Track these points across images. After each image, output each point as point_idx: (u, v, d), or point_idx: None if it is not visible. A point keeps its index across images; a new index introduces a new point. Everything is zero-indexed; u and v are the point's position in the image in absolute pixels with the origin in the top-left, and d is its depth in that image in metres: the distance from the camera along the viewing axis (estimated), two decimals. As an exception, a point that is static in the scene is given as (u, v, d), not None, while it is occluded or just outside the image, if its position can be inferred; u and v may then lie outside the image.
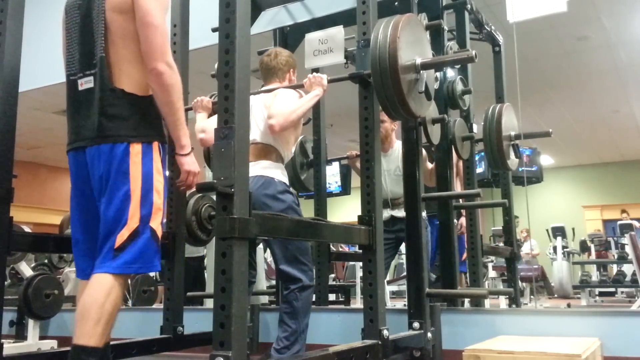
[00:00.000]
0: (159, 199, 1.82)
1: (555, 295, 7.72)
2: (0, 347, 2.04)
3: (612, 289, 7.93)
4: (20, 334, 3.77)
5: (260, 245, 4.51)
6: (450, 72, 3.14)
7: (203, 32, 2.94)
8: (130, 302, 4.82)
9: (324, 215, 3.80)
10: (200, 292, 3.89)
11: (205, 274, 5.03)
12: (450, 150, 3.04)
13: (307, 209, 4.32)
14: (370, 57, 2.13)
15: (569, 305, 6.53)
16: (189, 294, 3.17)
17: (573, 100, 8.07)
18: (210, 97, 3.04)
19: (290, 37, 3.81)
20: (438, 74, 2.77)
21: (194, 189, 2.03)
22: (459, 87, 3.01)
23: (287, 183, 2.49)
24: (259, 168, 2.40)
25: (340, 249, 7.41)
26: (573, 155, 10.94)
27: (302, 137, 4.04)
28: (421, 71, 2.18)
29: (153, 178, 1.81)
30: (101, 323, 1.67)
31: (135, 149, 1.79)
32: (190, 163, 1.92)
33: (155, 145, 1.84)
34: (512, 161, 3.22)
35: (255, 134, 2.45)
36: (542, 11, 3.16)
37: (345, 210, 7.48)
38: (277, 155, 2.49)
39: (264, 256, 5.40)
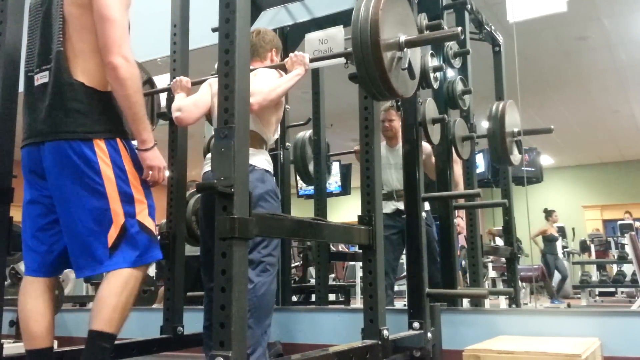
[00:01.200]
0: (138, 193, 1.81)
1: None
2: (0, 347, 2.04)
3: (612, 289, 7.93)
4: (20, 334, 3.77)
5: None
6: (450, 72, 3.14)
7: (203, 32, 2.94)
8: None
9: (324, 215, 3.80)
10: (200, 292, 3.89)
11: (205, 274, 5.03)
12: (451, 150, 3.04)
13: (307, 209, 4.33)
14: (351, 32, 1.99)
15: (569, 305, 6.53)
16: (189, 294, 3.17)
17: (573, 100, 8.07)
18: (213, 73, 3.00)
19: (290, 37, 3.81)
20: (438, 74, 2.77)
21: (158, 184, 1.96)
22: (459, 87, 3.01)
23: (269, 169, 2.33)
24: None
25: (341, 249, 7.41)
26: (573, 155, 10.95)
27: (310, 131, 4.07)
28: (405, 49, 2.06)
29: (127, 173, 1.79)
30: (118, 310, 1.71)
31: (101, 146, 1.76)
32: (153, 158, 1.85)
33: (119, 141, 1.81)
34: (515, 156, 3.30)
35: None
36: (542, 11, 3.16)
37: (345, 210, 7.48)
38: (259, 141, 2.34)
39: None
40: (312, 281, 4.92)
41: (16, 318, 3.81)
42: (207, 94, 2.42)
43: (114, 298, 1.71)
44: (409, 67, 2.08)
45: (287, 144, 3.89)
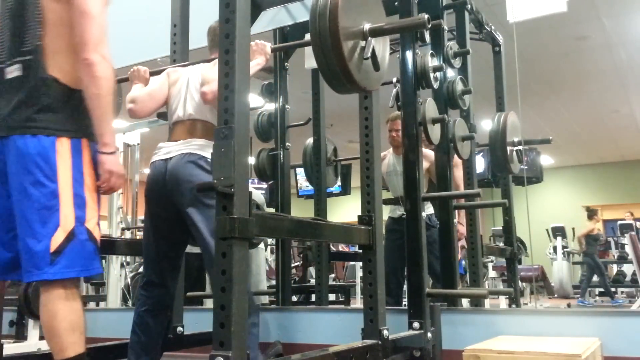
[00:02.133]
0: (92, 199, 1.73)
1: (555, 295, 7.73)
2: (0, 347, 2.04)
3: (612, 289, 7.93)
4: (20, 334, 3.77)
5: (261, 245, 4.52)
6: (450, 72, 3.14)
7: (203, 32, 2.94)
8: (130, 302, 4.82)
9: (324, 215, 3.80)
10: (200, 292, 3.89)
11: (206, 274, 5.04)
12: (451, 151, 3.04)
13: (307, 209, 4.33)
14: (309, 18, 1.84)
15: (569, 305, 6.53)
16: (189, 294, 3.17)
17: (573, 100, 8.07)
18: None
19: (290, 37, 3.81)
20: (438, 74, 2.77)
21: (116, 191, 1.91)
22: (459, 87, 3.01)
23: None
24: (191, 146, 2.16)
25: (341, 249, 7.41)
26: (573, 155, 10.95)
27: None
28: (370, 38, 1.92)
29: (84, 177, 1.72)
30: (75, 333, 1.63)
31: (64, 144, 1.69)
32: (114, 163, 1.77)
33: (85, 142, 1.74)
34: (515, 165, 3.46)
35: (190, 107, 2.24)
36: (542, 11, 3.16)
37: (345, 210, 7.48)
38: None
39: (264, 256, 5.41)
40: (312, 281, 4.92)
41: (16, 318, 3.81)
42: (165, 84, 2.33)
43: (63, 325, 1.62)
44: (372, 57, 1.92)
45: (287, 144, 3.89)
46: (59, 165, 1.67)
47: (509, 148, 3.35)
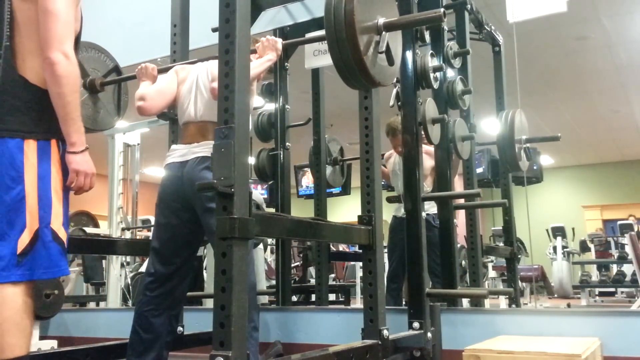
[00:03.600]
0: (57, 200, 1.72)
1: (555, 295, 7.72)
2: None
3: (612, 289, 7.93)
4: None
5: (260, 246, 4.52)
6: (450, 72, 3.14)
7: (203, 32, 2.94)
8: (130, 302, 4.82)
9: (324, 215, 3.80)
10: (200, 292, 3.89)
11: (205, 274, 5.04)
12: (451, 150, 3.04)
13: (307, 209, 4.33)
14: (324, 13, 1.84)
15: (569, 305, 6.53)
16: (189, 294, 3.17)
17: (573, 100, 8.07)
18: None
19: (290, 37, 3.81)
20: (438, 74, 2.77)
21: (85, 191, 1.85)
22: (459, 87, 3.01)
23: None
24: (205, 149, 2.14)
25: (341, 249, 7.41)
26: (573, 155, 10.95)
27: (327, 136, 4.09)
28: (384, 32, 1.91)
29: (51, 178, 1.70)
30: (18, 335, 1.62)
31: (31, 146, 1.68)
32: (81, 162, 1.74)
33: (54, 142, 1.73)
34: (524, 163, 3.42)
35: (201, 107, 2.24)
36: (542, 11, 3.16)
37: (345, 211, 7.48)
38: None
39: (264, 256, 5.41)
40: (312, 281, 4.92)
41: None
42: (173, 81, 2.33)
43: (13, 325, 1.61)
44: (387, 51, 1.92)
45: (287, 144, 3.89)
46: (25, 168, 1.66)
47: (517, 146, 3.31)
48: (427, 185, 3.60)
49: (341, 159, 4.34)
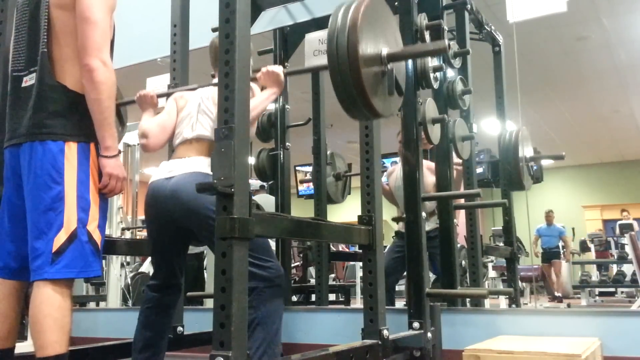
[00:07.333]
0: (94, 202, 1.77)
1: (557, 295, 7.72)
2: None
3: (612, 289, 7.93)
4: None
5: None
6: (450, 72, 3.14)
7: (203, 32, 2.94)
8: (130, 302, 4.82)
9: (324, 215, 3.80)
10: (200, 292, 3.89)
11: (205, 274, 5.04)
12: (451, 150, 3.04)
13: (307, 209, 4.33)
14: (326, 47, 1.80)
15: (569, 305, 6.53)
16: (189, 294, 3.17)
17: (573, 100, 8.07)
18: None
19: (290, 37, 3.81)
20: (438, 74, 2.76)
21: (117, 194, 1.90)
22: (459, 87, 3.01)
23: None
24: (198, 164, 2.06)
25: (341, 249, 7.41)
26: (573, 155, 10.95)
27: (330, 151, 4.10)
28: (388, 64, 1.87)
29: (90, 180, 1.76)
30: (58, 332, 1.66)
31: (72, 149, 1.74)
32: (114, 166, 1.82)
33: (93, 146, 1.79)
34: (527, 181, 3.42)
35: (201, 128, 2.15)
36: (542, 11, 3.16)
37: (345, 210, 7.48)
38: None
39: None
40: (312, 281, 4.92)
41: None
42: (173, 112, 2.26)
43: (51, 323, 1.65)
44: (392, 83, 1.90)
45: (287, 144, 3.89)
46: (65, 169, 1.72)
47: (520, 164, 3.28)
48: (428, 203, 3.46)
49: (344, 174, 4.34)
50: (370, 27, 1.81)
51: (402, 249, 3.44)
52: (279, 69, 2.16)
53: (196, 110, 2.20)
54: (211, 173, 1.93)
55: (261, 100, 2.12)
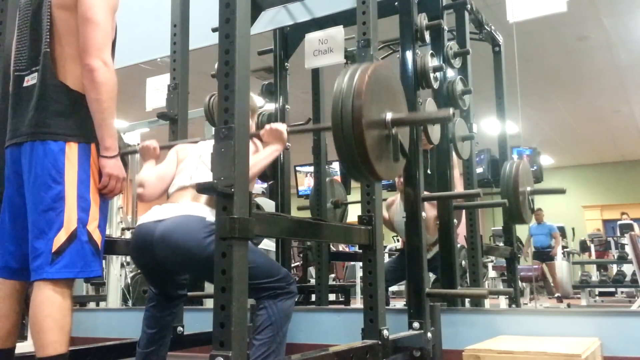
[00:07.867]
0: (95, 202, 1.77)
1: (556, 295, 7.72)
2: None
3: (612, 289, 7.92)
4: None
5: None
6: (450, 72, 3.14)
7: (203, 32, 2.94)
8: (130, 302, 4.82)
9: (324, 215, 3.80)
10: (200, 292, 3.89)
11: (205, 274, 5.02)
12: (451, 150, 3.04)
13: (307, 209, 4.34)
14: (331, 109, 1.80)
15: (569, 305, 6.53)
16: (188, 294, 3.17)
17: (573, 100, 8.07)
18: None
19: (290, 37, 3.81)
20: (438, 74, 2.77)
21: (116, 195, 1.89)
22: (459, 87, 3.01)
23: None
24: (194, 209, 1.95)
25: (341, 249, 7.41)
26: (573, 155, 10.95)
27: (329, 178, 4.09)
28: (392, 128, 1.88)
29: (90, 180, 1.77)
30: (58, 332, 1.66)
31: (73, 149, 1.75)
32: (113, 167, 1.81)
33: (94, 146, 1.79)
34: (527, 214, 3.44)
35: (201, 177, 2.04)
36: (542, 11, 3.15)
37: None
38: None
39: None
40: (312, 281, 4.92)
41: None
42: (173, 163, 2.22)
43: (50, 323, 1.65)
44: (396, 148, 1.90)
45: (287, 144, 3.88)
46: (66, 169, 1.72)
47: (521, 197, 3.29)
48: (430, 236, 3.38)
49: (342, 202, 4.31)
50: (374, 93, 1.82)
51: (401, 263, 3.46)
52: (282, 127, 2.15)
53: (196, 161, 2.17)
54: (209, 218, 1.87)
55: (264, 157, 2.09)
